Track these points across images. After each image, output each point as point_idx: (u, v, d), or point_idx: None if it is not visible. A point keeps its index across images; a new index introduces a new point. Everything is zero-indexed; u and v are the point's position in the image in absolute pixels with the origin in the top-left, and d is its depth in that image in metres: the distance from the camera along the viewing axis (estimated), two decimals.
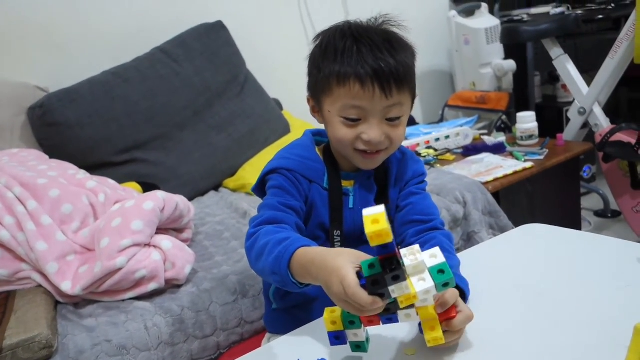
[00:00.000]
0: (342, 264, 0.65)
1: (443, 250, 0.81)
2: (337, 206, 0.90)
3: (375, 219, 0.58)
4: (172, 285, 1.20)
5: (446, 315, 0.68)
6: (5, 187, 1.22)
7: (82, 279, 1.13)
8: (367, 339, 0.70)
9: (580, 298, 0.78)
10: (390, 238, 0.59)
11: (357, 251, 0.68)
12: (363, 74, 0.80)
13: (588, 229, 2.35)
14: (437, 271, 0.63)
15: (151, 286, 1.15)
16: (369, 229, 0.58)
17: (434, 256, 0.65)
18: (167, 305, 1.14)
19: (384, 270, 0.60)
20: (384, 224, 0.58)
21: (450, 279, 0.63)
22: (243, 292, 1.20)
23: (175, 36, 1.99)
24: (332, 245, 0.90)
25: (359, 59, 0.81)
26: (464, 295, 0.78)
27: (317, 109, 0.90)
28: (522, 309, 0.78)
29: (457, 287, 0.76)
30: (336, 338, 0.68)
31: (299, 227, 0.86)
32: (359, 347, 0.69)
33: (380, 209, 0.59)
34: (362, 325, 0.67)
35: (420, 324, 0.71)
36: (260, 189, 0.93)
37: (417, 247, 0.65)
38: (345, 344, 0.69)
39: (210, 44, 2.01)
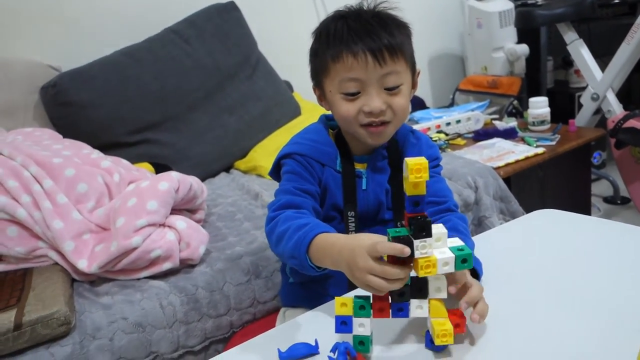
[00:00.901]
0: (367, 240, 0.67)
1: (458, 232, 0.83)
2: (350, 188, 0.92)
3: (417, 160, 0.61)
4: (186, 265, 1.21)
5: (456, 319, 0.68)
6: (21, 165, 1.23)
7: (98, 258, 1.15)
8: (371, 341, 0.69)
9: (593, 283, 0.79)
10: (424, 189, 0.62)
11: (376, 234, 0.70)
12: (355, 47, 0.83)
13: (597, 215, 2.35)
14: (457, 249, 0.65)
15: (166, 265, 1.17)
16: (411, 162, 0.61)
17: (453, 242, 0.67)
18: (181, 285, 1.15)
19: (414, 224, 0.63)
20: (425, 163, 0.61)
21: (468, 255, 0.65)
22: (256, 273, 1.21)
23: (186, 16, 1.98)
24: (347, 225, 0.92)
25: (350, 35, 0.84)
26: (477, 275, 0.79)
27: (322, 96, 0.93)
28: (535, 293, 0.79)
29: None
30: (342, 323, 0.68)
31: (316, 211, 0.89)
32: (362, 343, 0.69)
33: (423, 159, 0.61)
34: (371, 314, 0.68)
35: (427, 334, 0.70)
36: (275, 172, 0.97)
37: (440, 224, 0.67)
38: (351, 332, 0.68)
39: (222, 25, 2.00)
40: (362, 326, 0.68)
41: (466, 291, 0.70)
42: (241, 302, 1.19)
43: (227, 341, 1.18)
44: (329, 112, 0.96)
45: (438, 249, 0.65)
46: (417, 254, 0.63)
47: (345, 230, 0.92)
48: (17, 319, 0.98)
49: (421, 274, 0.64)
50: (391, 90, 0.86)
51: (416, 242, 0.63)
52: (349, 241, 0.71)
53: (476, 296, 0.70)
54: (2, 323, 0.97)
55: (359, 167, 0.94)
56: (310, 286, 0.94)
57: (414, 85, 0.92)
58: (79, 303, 1.11)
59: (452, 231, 0.84)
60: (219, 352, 1.16)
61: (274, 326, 1.09)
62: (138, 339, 1.07)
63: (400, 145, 0.96)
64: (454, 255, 0.64)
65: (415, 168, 0.61)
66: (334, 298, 0.81)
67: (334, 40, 0.85)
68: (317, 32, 0.91)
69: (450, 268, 0.64)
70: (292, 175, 0.91)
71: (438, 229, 0.65)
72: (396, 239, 0.63)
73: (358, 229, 0.92)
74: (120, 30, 1.94)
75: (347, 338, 0.70)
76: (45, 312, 1.00)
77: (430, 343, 0.69)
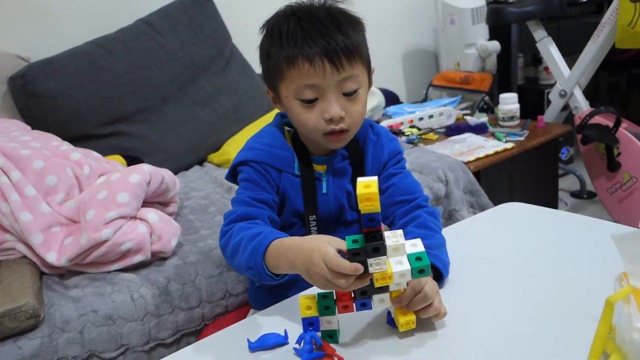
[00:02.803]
0: (322, 244, 0.67)
1: (427, 229, 0.84)
2: (310, 192, 0.90)
3: (367, 184, 0.61)
4: (157, 258, 1.21)
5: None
6: None
7: (67, 251, 1.14)
8: (338, 329, 0.72)
9: (556, 274, 0.82)
10: (378, 207, 0.62)
11: (332, 236, 0.70)
12: (310, 52, 0.79)
13: (564, 209, 2.41)
14: (415, 258, 0.66)
15: (137, 258, 1.16)
16: (360, 190, 0.61)
17: (415, 245, 0.68)
18: (153, 277, 1.15)
19: (367, 243, 0.63)
20: (375, 189, 0.61)
21: (425, 266, 0.65)
22: (228, 266, 1.21)
23: (160, 7, 1.96)
24: (308, 230, 0.91)
25: (304, 38, 0.80)
26: (440, 275, 0.80)
27: (276, 98, 0.90)
28: (501, 284, 0.81)
29: (433, 266, 0.78)
30: (310, 325, 0.70)
31: (272, 221, 0.87)
32: (331, 336, 0.71)
33: (374, 178, 0.62)
34: (336, 312, 0.69)
35: (388, 313, 0.73)
36: (232, 177, 0.94)
37: (400, 232, 0.67)
38: (318, 331, 0.70)
39: (196, 17, 1.98)
40: (329, 322, 0.70)
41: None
42: (213, 294, 1.19)
43: (199, 333, 1.18)
44: None
45: (396, 257, 0.66)
46: (371, 270, 0.64)
47: (307, 234, 0.90)
48: None
49: (377, 285, 0.65)
50: (349, 95, 0.83)
51: (370, 261, 0.63)
52: (305, 245, 0.70)
53: (414, 289, 0.69)
54: None
55: (318, 168, 0.92)
56: (276, 290, 0.92)
57: (369, 83, 0.89)
58: (47, 296, 1.10)
59: (421, 228, 0.85)
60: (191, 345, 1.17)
61: (245, 318, 1.11)
62: (108, 332, 1.06)
63: (361, 143, 0.94)
64: (409, 268, 0.65)
65: (365, 198, 0.61)
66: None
67: (288, 42, 0.81)
68: (267, 29, 0.86)
69: (407, 278, 0.66)
70: (248, 183, 0.88)
71: (396, 238, 0.66)
72: (351, 252, 0.64)
73: (320, 233, 0.90)
74: (92, 21, 1.91)
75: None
76: (13, 305, 0.99)
77: (392, 321, 0.73)
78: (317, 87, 0.82)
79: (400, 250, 0.66)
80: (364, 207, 0.61)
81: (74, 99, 1.69)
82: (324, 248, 0.66)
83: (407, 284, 0.69)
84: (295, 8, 0.85)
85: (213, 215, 1.42)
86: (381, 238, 0.63)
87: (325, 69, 0.80)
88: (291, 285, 0.92)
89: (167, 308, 1.14)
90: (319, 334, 0.70)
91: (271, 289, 0.96)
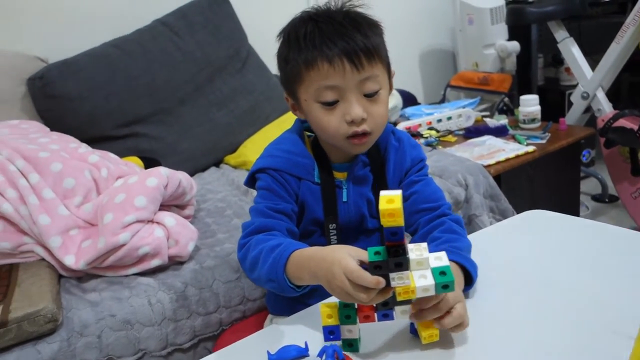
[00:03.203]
0: (343, 255, 0.66)
1: (454, 232, 0.82)
2: (330, 200, 0.88)
3: (390, 198, 0.60)
4: (175, 262, 1.20)
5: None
6: (7, 159, 1.21)
7: (85, 254, 1.13)
8: (359, 338, 0.70)
9: (587, 288, 0.79)
10: (401, 221, 0.60)
11: (353, 247, 0.69)
12: (330, 53, 0.78)
13: (585, 213, 2.37)
14: (439, 272, 0.64)
15: (154, 262, 1.16)
16: (383, 206, 0.59)
17: (439, 259, 0.66)
18: (170, 282, 1.14)
19: (389, 257, 0.62)
20: (398, 204, 0.59)
21: (450, 282, 0.63)
22: None
23: (176, 8, 1.95)
24: (328, 239, 0.89)
25: (323, 39, 0.79)
26: (470, 278, 0.78)
27: (296, 105, 0.88)
28: (527, 297, 0.79)
29: (464, 268, 0.77)
30: (330, 333, 0.68)
31: (290, 232, 0.85)
32: (352, 345, 0.69)
33: (398, 192, 0.60)
34: (358, 321, 0.68)
35: (412, 324, 0.71)
36: (250, 182, 0.93)
37: (424, 245, 0.65)
38: (339, 339, 0.69)
39: (212, 17, 1.98)
40: (350, 331, 0.68)
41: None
42: (230, 299, 1.18)
43: (216, 339, 1.17)
44: None
45: (419, 271, 0.64)
46: (393, 284, 0.62)
47: (327, 243, 0.89)
48: (2, 316, 0.97)
49: (399, 299, 0.64)
50: (370, 96, 0.81)
51: (392, 275, 0.62)
52: (325, 255, 0.69)
53: (443, 307, 0.67)
54: None
55: (339, 176, 0.90)
56: (295, 297, 0.90)
57: (390, 87, 0.88)
58: (66, 299, 1.10)
59: (448, 232, 0.83)
60: (208, 350, 1.17)
61: (263, 324, 1.10)
62: (126, 337, 1.06)
63: (382, 149, 0.92)
64: (433, 283, 0.63)
65: (387, 213, 0.59)
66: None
67: (306, 45, 0.79)
68: (284, 35, 0.85)
69: (431, 293, 0.64)
70: (266, 192, 0.86)
71: (420, 251, 0.64)
72: (372, 265, 0.62)
73: (341, 242, 0.89)
74: (109, 22, 1.91)
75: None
76: (32, 309, 0.99)
77: (415, 330, 0.71)
78: (338, 88, 0.80)
79: (424, 264, 0.64)
80: (387, 222, 0.60)
81: (91, 101, 1.69)
82: (344, 260, 0.65)
83: None
84: (312, 13, 0.84)
85: (230, 219, 1.41)
86: (404, 252, 0.62)
87: (345, 69, 0.78)
88: (312, 293, 0.91)
89: (185, 313, 1.13)
90: (339, 342, 0.69)
91: (289, 297, 0.94)
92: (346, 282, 0.63)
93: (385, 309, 0.66)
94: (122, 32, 1.84)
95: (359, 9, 0.84)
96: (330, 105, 0.81)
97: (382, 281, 0.61)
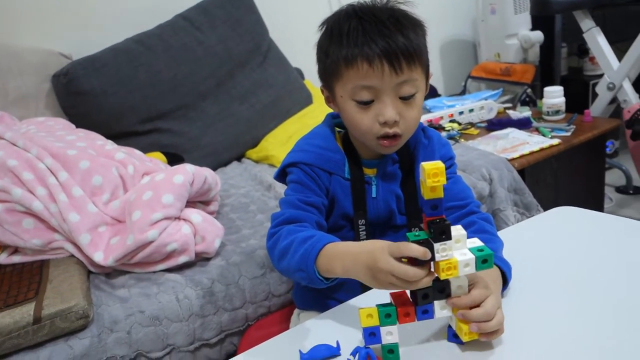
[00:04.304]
0: (383, 243, 0.67)
1: (487, 232, 0.83)
2: (359, 196, 0.89)
3: (434, 171, 0.61)
4: (201, 258, 1.21)
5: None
6: (36, 157, 1.23)
7: (114, 251, 1.15)
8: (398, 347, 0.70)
9: (617, 286, 0.78)
10: (442, 194, 0.62)
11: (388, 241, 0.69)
12: (370, 53, 0.78)
13: (609, 205, 2.33)
14: (477, 250, 0.65)
15: (181, 259, 1.17)
16: (427, 167, 0.61)
17: (474, 242, 0.67)
18: (197, 278, 1.16)
19: (434, 227, 0.63)
20: (442, 166, 0.61)
21: (488, 255, 0.65)
22: (271, 266, 1.21)
23: (197, 3, 1.96)
24: (357, 233, 0.90)
25: (365, 38, 0.79)
26: (505, 278, 0.78)
27: (331, 98, 0.89)
28: (559, 296, 0.78)
29: (500, 268, 0.77)
30: (371, 335, 0.68)
31: (320, 225, 0.86)
32: (392, 351, 0.69)
33: (440, 163, 0.61)
34: (397, 322, 0.67)
35: (449, 328, 0.71)
36: (281, 177, 0.94)
37: (459, 226, 0.67)
38: (380, 342, 0.68)
39: (233, 12, 1.97)
40: (390, 334, 0.68)
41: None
42: (256, 295, 1.19)
43: (242, 334, 1.18)
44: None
45: (458, 250, 0.65)
46: (437, 257, 0.63)
47: (355, 238, 0.90)
48: (36, 312, 0.99)
49: (443, 276, 0.64)
50: (406, 99, 0.82)
51: (436, 246, 0.63)
52: (364, 246, 0.70)
53: (474, 300, 0.67)
54: (22, 317, 0.98)
55: (368, 172, 0.91)
56: (323, 291, 0.91)
57: (426, 89, 0.88)
58: (95, 296, 1.12)
59: (481, 233, 0.83)
60: (234, 345, 1.18)
61: (288, 319, 1.11)
62: (155, 332, 1.08)
63: (412, 147, 0.92)
64: (474, 257, 0.64)
65: (432, 172, 0.61)
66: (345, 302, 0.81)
67: (348, 42, 0.80)
68: (327, 28, 0.85)
69: (471, 269, 0.65)
70: (298, 185, 0.88)
71: (457, 230, 0.65)
72: (416, 243, 0.63)
73: (369, 237, 0.90)
74: (131, 17, 1.92)
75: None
76: (64, 305, 1.01)
77: (453, 337, 0.70)
78: (374, 89, 0.80)
79: (461, 242, 0.65)
80: (432, 182, 0.61)
81: (115, 96, 1.71)
82: (386, 243, 0.66)
83: (469, 290, 0.68)
84: (357, 7, 0.84)
85: (254, 214, 1.42)
86: (445, 224, 0.63)
87: (383, 71, 0.78)
88: (338, 287, 0.92)
89: (212, 309, 1.14)
90: (378, 346, 0.69)
91: (317, 291, 0.94)
92: (391, 263, 0.63)
93: (425, 303, 0.67)
94: (144, 28, 1.85)
95: (402, 6, 0.84)
96: (366, 104, 0.82)
97: (428, 252, 0.62)
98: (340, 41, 0.81)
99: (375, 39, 0.78)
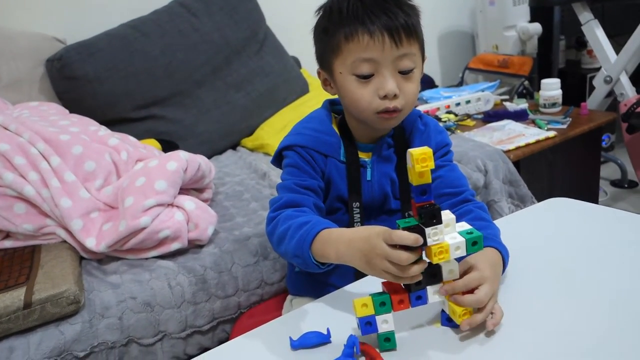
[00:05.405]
0: (378, 228, 0.67)
1: (483, 220, 0.83)
2: (354, 179, 0.90)
3: (422, 157, 0.61)
4: (194, 245, 1.21)
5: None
6: (28, 142, 1.22)
7: (106, 237, 1.14)
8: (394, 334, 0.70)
9: (610, 277, 0.78)
10: (430, 179, 0.63)
11: (382, 226, 0.69)
12: (371, 26, 0.79)
13: (604, 198, 2.34)
14: (467, 233, 0.66)
15: (174, 246, 1.16)
16: (415, 152, 0.61)
17: (462, 226, 0.68)
18: (190, 265, 1.15)
19: (424, 211, 0.63)
20: (430, 152, 0.61)
21: (478, 237, 0.65)
22: (264, 255, 1.21)
23: None
24: (351, 216, 0.91)
25: (365, 12, 0.80)
26: (503, 261, 0.78)
27: (328, 80, 0.89)
28: (550, 286, 0.78)
29: (498, 250, 0.78)
30: (367, 324, 0.68)
31: (317, 207, 0.87)
32: (389, 340, 0.68)
33: (427, 149, 0.61)
34: (392, 309, 0.68)
35: (443, 312, 0.71)
36: (277, 161, 0.95)
37: (447, 211, 0.67)
38: (376, 331, 0.68)
39: None
40: (386, 322, 0.68)
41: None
42: (249, 283, 1.19)
43: (234, 321, 1.18)
44: (335, 97, 0.94)
45: (448, 234, 0.65)
46: (429, 242, 0.63)
47: (350, 220, 0.91)
48: (26, 297, 0.98)
49: (435, 260, 0.64)
50: (405, 73, 0.83)
51: (428, 230, 0.63)
52: (358, 232, 0.70)
53: (468, 284, 0.68)
54: (12, 301, 0.97)
55: (364, 156, 0.92)
56: (316, 276, 0.92)
57: (421, 70, 0.89)
58: (87, 281, 1.11)
59: (477, 220, 0.83)
60: (227, 332, 1.18)
61: (280, 307, 1.11)
62: (147, 319, 1.07)
63: (408, 132, 0.93)
64: (464, 239, 0.65)
65: (420, 158, 0.61)
66: (338, 288, 0.81)
67: (348, 17, 0.81)
68: (326, 9, 0.86)
69: (462, 252, 0.65)
70: (294, 169, 0.89)
71: (446, 215, 0.66)
72: (407, 230, 0.63)
73: (363, 220, 0.91)
74: (126, 2, 1.91)
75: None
76: (55, 290, 1.00)
77: (447, 321, 0.71)
78: (374, 62, 0.81)
79: (451, 226, 0.66)
80: (420, 168, 0.61)
81: (109, 82, 1.69)
82: (381, 229, 0.66)
83: (460, 276, 0.69)
84: None
85: (248, 202, 1.42)
86: (435, 209, 0.63)
87: (384, 43, 0.80)
88: (330, 273, 0.92)
89: (204, 296, 1.14)
90: (374, 335, 0.68)
91: (310, 276, 0.96)
92: (385, 248, 0.64)
93: (418, 289, 0.67)
94: (140, 13, 1.84)
95: None
96: (366, 78, 0.83)
97: (420, 239, 0.62)
98: (340, 17, 0.82)
99: (377, 13, 0.80)
